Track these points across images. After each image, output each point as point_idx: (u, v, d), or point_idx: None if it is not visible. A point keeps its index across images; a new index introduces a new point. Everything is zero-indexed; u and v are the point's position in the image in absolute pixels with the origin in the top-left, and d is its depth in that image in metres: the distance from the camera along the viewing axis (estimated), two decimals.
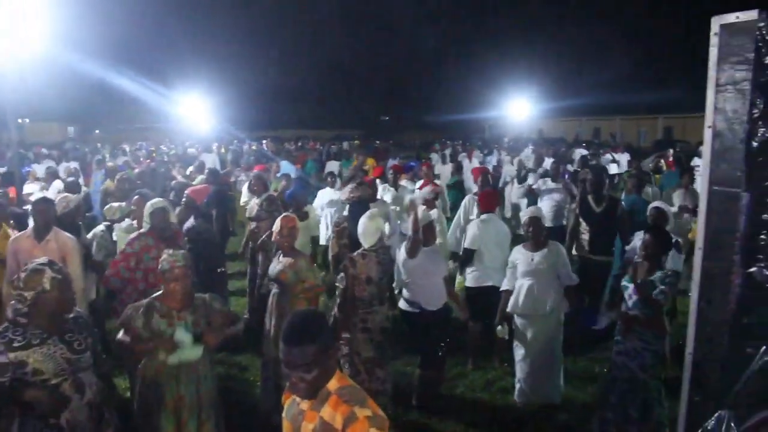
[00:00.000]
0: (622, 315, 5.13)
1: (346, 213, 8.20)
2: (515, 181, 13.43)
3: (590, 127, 56.46)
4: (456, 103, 65.40)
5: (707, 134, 2.51)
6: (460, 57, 64.77)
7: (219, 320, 4.38)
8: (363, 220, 5.81)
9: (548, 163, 16.78)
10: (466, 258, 6.94)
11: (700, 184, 2.59)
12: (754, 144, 2.30)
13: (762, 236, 2.25)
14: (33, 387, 3.52)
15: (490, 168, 19.74)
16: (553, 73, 56.77)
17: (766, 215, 2.26)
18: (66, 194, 7.60)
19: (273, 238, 5.89)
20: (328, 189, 11.07)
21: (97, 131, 61.06)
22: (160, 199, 6.36)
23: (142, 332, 4.15)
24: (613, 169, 19.10)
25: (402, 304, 5.99)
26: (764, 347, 2.15)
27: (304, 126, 66.24)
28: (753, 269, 2.27)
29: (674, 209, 8.16)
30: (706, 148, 2.51)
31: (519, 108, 44.34)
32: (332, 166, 18.29)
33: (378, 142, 35.79)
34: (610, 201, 8.02)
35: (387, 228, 6.63)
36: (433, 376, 6.05)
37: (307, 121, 69.47)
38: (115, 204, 7.48)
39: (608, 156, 22.43)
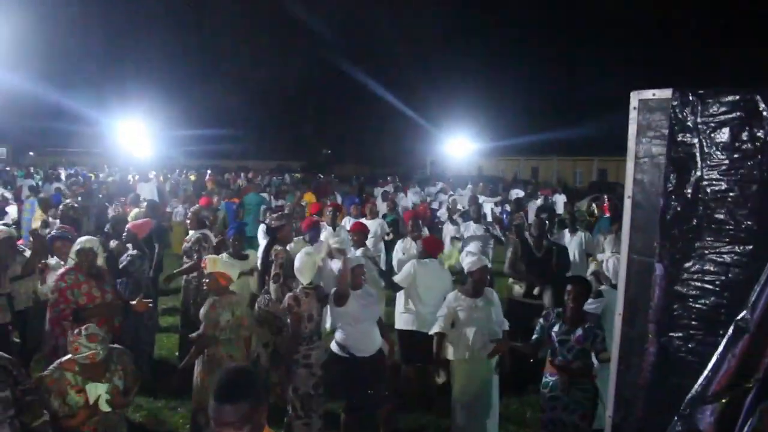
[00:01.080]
0: (561, 369, 5.11)
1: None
2: (448, 222, 13.59)
3: (528, 166, 57.90)
4: (398, 138, 66.21)
5: (627, 204, 2.63)
6: (402, 91, 65.53)
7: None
8: (300, 256, 5.84)
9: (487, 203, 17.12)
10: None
11: (621, 250, 2.68)
12: (668, 217, 2.41)
13: (675, 307, 2.34)
14: None
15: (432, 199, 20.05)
16: (493, 111, 57.95)
17: (678, 287, 2.35)
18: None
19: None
20: (262, 225, 10.99)
21: (30, 153, 59.42)
22: (90, 237, 6.21)
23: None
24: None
25: (333, 346, 5.87)
26: (675, 418, 2.22)
27: (245, 156, 65.86)
28: (665, 339, 2.36)
29: (605, 256, 8.34)
30: (626, 218, 2.62)
31: (459, 145, 45.16)
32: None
33: (321, 175, 35.71)
34: (549, 247, 8.15)
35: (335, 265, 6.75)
36: (356, 421, 5.99)
37: (248, 152, 69.10)
38: (52, 261, 7.25)
39: (546, 197, 22.53)
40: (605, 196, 21.66)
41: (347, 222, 11.49)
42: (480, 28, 78.21)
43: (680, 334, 2.31)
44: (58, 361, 4.28)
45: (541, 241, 8.16)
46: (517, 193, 22.84)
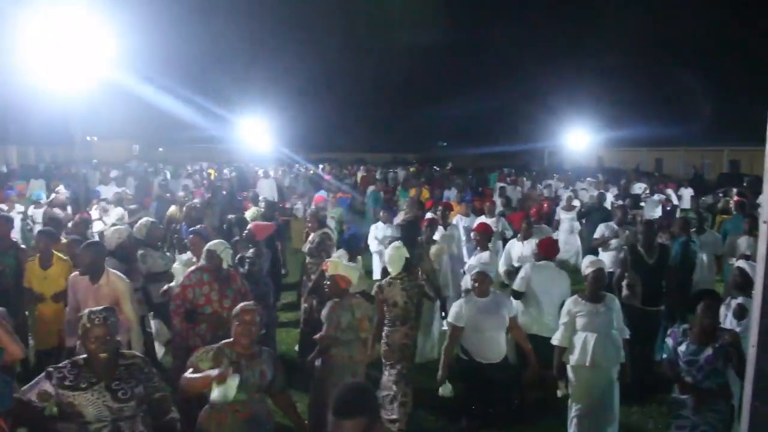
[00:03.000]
0: (692, 390, 4.80)
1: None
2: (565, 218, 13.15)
3: (652, 157, 55.10)
4: (515, 130, 65.00)
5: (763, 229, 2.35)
6: (518, 82, 64.40)
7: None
8: (389, 250, 6.62)
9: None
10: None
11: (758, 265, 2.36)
12: None
13: None
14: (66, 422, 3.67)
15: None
16: (614, 101, 55.72)
17: None
18: (118, 227, 7.75)
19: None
20: (380, 224, 11.11)
21: (160, 149, 62.74)
22: (219, 241, 6.45)
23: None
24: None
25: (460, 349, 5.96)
26: None
27: (360, 149, 66.55)
28: None
29: (739, 261, 7.69)
30: (762, 241, 2.35)
31: (578, 136, 43.78)
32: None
33: (436, 168, 35.61)
34: (662, 251, 7.71)
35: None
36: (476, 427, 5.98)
37: (363, 144, 69.76)
38: (185, 256, 7.61)
39: (669, 191, 20.86)
40: (735, 190, 19.92)
41: (459, 220, 11.41)
42: (601, 12, 75.31)
43: None
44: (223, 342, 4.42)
45: (652, 245, 7.71)
46: (640, 187, 21.44)
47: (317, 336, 5.71)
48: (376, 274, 10.58)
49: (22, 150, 45.60)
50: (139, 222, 8.32)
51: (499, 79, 76.36)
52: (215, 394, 4.06)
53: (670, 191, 20.66)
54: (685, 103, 53.23)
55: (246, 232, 8.07)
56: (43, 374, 3.78)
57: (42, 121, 37.11)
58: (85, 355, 3.87)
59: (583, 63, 71.95)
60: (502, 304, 5.95)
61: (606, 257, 9.32)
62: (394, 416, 6.29)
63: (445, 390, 5.91)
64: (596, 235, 10.11)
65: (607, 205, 14.47)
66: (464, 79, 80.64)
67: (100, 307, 3.98)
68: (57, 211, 11.18)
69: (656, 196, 18.43)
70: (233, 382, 4.04)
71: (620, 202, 13.14)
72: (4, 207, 11.85)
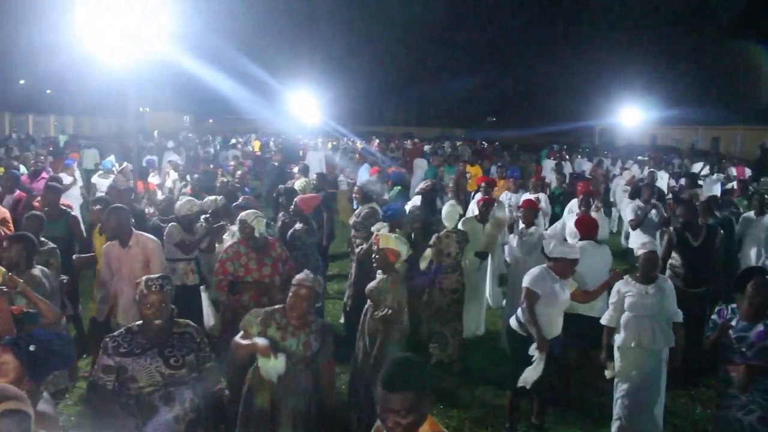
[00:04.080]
0: (741, 368, 4.69)
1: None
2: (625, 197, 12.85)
3: (708, 136, 53.44)
4: (565, 107, 63.84)
5: None
6: (571, 59, 63.17)
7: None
8: (445, 207, 7.89)
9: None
10: None
11: None
12: None
13: None
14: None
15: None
16: (669, 78, 54.15)
17: None
18: (191, 199, 7.90)
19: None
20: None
21: (210, 120, 63.53)
22: (251, 211, 6.53)
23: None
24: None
25: (513, 322, 5.94)
26: None
27: (407, 123, 66.31)
28: None
29: None
30: None
31: (631, 114, 42.72)
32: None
33: (484, 143, 35.20)
34: (708, 232, 7.47)
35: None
36: (519, 401, 6.00)
37: (411, 118, 69.51)
38: (234, 228, 7.74)
39: (731, 170, 19.68)
40: None
41: (506, 197, 11.28)
42: None
43: None
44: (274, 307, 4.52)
45: (696, 226, 7.50)
46: (697, 166, 20.65)
47: (381, 314, 5.63)
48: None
49: (78, 120, 46.61)
50: (210, 198, 8.52)
51: (550, 54, 74.98)
52: (261, 367, 4.19)
53: (733, 170, 19.78)
54: (742, 81, 51.53)
55: (293, 207, 8.14)
56: (100, 349, 3.92)
57: (97, 93, 37.88)
58: (140, 322, 3.98)
59: (636, 39, 70.10)
60: (567, 286, 5.88)
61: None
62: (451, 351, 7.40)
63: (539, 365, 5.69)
64: (630, 216, 9.95)
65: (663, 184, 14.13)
66: (515, 54, 79.30)
67: (157, 275, 4.08)
68: (122, 180, 11.41)
69: (715, 176, 17.74)
70: (279, 362, 4.15)
71: (674, 183, 12.83)
72: (65, 176, 12.13)
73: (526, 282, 5.81)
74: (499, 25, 79.98)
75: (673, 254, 7.47)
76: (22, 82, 51.78)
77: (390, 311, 5.47)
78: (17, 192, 9.66)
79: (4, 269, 4.26)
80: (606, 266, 6.78)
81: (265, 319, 4.34)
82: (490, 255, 8.66)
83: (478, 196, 10.43)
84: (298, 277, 4.44)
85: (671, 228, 7.99)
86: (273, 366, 4.16)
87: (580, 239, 6.97)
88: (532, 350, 5.51)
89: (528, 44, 79.55)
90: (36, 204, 8.44)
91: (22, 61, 46.64)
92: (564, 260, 5.73)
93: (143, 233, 6.36)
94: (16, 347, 2.84)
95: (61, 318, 4.34)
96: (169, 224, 7.46)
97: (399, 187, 10.65)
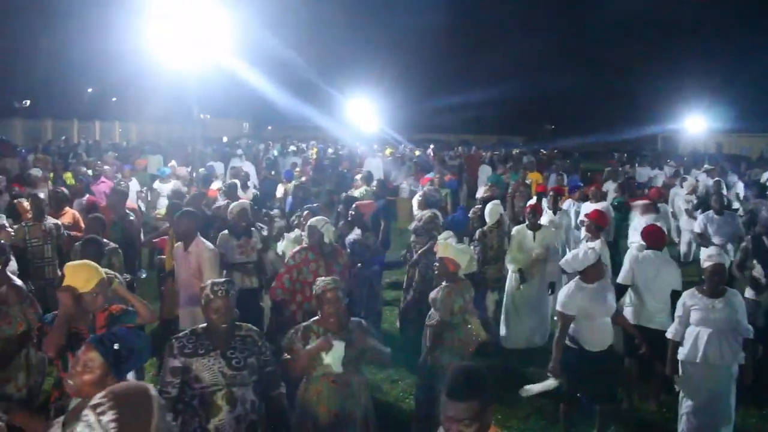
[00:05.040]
0: None
1: None
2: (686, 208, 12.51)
3: None
4: (626, 113, 62.49)
5: None
6: (633, 64, 61.90)
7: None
8: (488, 206, 8.72)
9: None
10: (619, 293, 6.59)
11: None
12: None
13: None
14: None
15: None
16: (736, 85, 52.40)
17: None
18: (243, 202, 8.02)
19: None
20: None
21: (269, 127, 64.35)
22: (319, 217, 6.56)
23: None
24: None
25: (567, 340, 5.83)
26: None
27: (464, 130, 65.83)
28: None
29: None
30: None
31: (695, 121, 41.59)
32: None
33: (542, 151, 34.75)
34: None
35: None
36: (574, 413, 5.90)
37: (467, 125, 69.00)
38: (293, 234, 7.81)
39: None
40: None
41: (570, 206, 11.12)
42: None
43: None
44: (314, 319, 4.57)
45: None
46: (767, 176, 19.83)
47: (431, 321, 5.66)
48: None
49: (141, 127, 47.82)
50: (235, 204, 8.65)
51: (611, 60, 73.70)
52: (327, 360, 4.24)
53: None
54: None
55: (352, 213, 8.16)
56: (165, 351, 4.03)
57: (161, 100, 38.81)
58: (204, 324, 4.07)
59: (700, 44, 68.35)
60: (608, 290, 5.81)
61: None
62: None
63: (550, 385, 5.75)
64: (696, 228, 9.66)
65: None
66: (575, 60, 78.30)
67: (222, 279, 4.16)
68: (180, 185, 11.66)
69: None
70: (339, 347, 4.21)
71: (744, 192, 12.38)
72: (121, 178, 12.48)
73: (558, 305, 5.79)
74: (559, 30, 78.98)
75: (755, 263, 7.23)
76: (89, 90, 53.51)
77: (445, 320, 5.47)
78: (87, 196, 10.00)
79: (119, 276, 4.38)
80: (670, 282, 6.53)
81: (304, 334, 4.42)
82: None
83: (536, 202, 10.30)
84: (319, 284, 4.49)
85: (748, 236, 7.76)
86: (336, 352, 4.23)
87: (646, 248, 6.78)
88: (549, 370, 5.60)
89: (588, 49, 78.39)
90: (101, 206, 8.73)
91: (90, 70, 48.18)
92: (587, 268, 5.64)
93: (204, 241, 6.46)
94: (101, 345, 2.93)
95: (155, 318, 4.47)
96: (222, 232, 7.60)
97: (448, 190, 10.76)
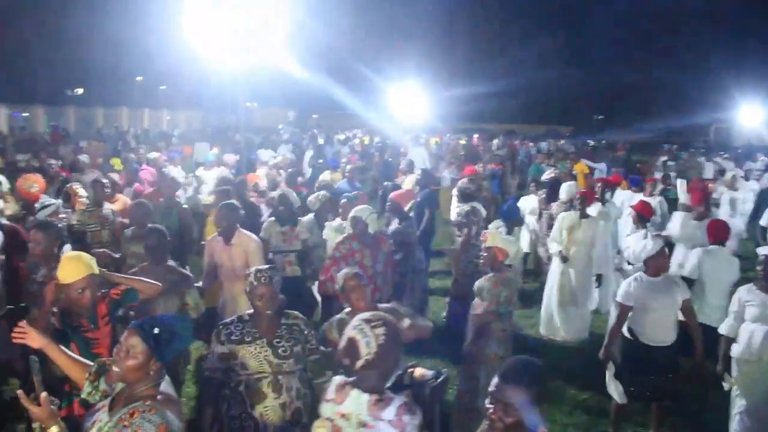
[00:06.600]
0: None
1: None
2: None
3: None
4: (677, 103, 61.00)
5: None
6: (685, 54, 60.35)
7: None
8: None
9: None
10: None
11: None
12: None
13: None
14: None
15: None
16: None
17: None
18: (319, 193, 8.18)
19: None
20: (531, 196, 10.86)
21: (314, 116, 64.63)
22: (365, 207, 6.56)
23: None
24: None
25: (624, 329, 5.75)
26: None
27: (510, 120, 65.08)
28: None
29: None
30: None
31: (751, 111, 40.33)
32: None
33: (590, 142, 34.14)
34: None
35: None
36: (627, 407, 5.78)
37: (514, 114, 68.19)
38: (335, 223, 7.84)
39: None
40: None
41: (618, 197, 10.95)
42: None
43: None
44: None
45: None
46: None
47: (478, 312, 5.63)
48: (525, 248, 10.32)
49: (189, 115, 48.54)
50: (315, 195, 8.72)
51: (663, 49, 72.05)
52: None
53: None
54: None
55: (389, 203, 8.14)
56: (212, 337, 4.09)
57: (208, 88, 39.36)
58: (251, 311, 4.10)
59: (755, 31, 66.30)
60: (674, 285, 5.66)
61: None
62: None
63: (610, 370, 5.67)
64: (763, 222, 9.40)
65: None
66: (624, 49, 76.78)
67: (266, 266, 4.19)
68: (226, 172, 11.79)
69: None
70: None
71: None
72: (172, 169, 12.63)
73: (617, 295, 5.70)
74: (610, 18, 77.46)
75: None
76: (139, 78, 54.51)
77: (491, 310, 5.43)
78: (136, 184, 10.20)
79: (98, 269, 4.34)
80: (731, 279, 6.41)
81: (339, 324, 4.41)
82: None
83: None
84: (340, 278, 4.51)
85: None
86: None
87: (710, 244, 6.63)
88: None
89: (639, 38, 76.83)
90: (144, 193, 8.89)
91: (140, 59, 49.14)
92: (650, 259, 5.52)
93: (246, 232, 6.45)
94: (142, 330, 2.95)
95: (159, 289, 4.47)
96: (267, 219, 7.63)
97: (490, 180, 10.70)
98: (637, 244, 6.00)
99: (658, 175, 14.15)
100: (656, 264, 5.56)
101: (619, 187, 11.83)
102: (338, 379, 3.21)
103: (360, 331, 3.06)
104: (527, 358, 2.83)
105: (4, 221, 7.06)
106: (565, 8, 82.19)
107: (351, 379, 3.11)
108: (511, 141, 31.05)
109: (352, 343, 3.09)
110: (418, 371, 3.96)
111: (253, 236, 6.52)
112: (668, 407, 5.90)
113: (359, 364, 3.03)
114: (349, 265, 6.18)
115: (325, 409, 3.14)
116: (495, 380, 2.67)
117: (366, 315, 3.17)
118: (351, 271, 4.54)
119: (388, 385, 3.12)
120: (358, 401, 3.01)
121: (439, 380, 3.98)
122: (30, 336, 3.35)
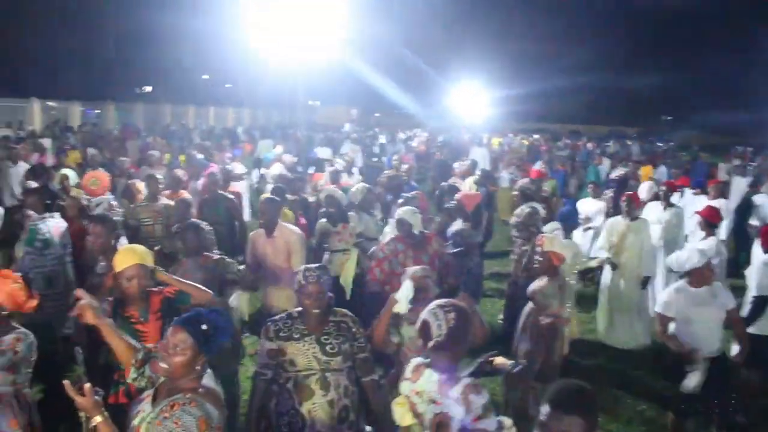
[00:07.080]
0: None
1: None
2: None
3: None
4: (750, 102, 58.76)
5: None
6: (757, 53, 57.82)
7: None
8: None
9: None
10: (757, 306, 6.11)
11: None
12: None
13: None
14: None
15: None
16: None
17: None
18: (360, 186, 8.24)
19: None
20: (590, 199, 10.60)
21: (376, 114, 64.82)
22: (408, 208, 6.55)
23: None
24: None
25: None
26: None
27: (574, 120, 63.84)
28: None
29: None
30: None
31: None
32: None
33: (659, 144, 33.24)
34: None
35: None
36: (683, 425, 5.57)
37: (578, 115, 66.87)
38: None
39: None
40: None
41: (685, 200, 10.61)
42: None
43: None
44: None
45: None
46: None
47: (546, 319, 5.48)
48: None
49: (254, 112, 49.24)
50: (356, 187, 8.64)
51: (734, 47, 69.61)
52: (398, 306, 4.24)
53: None
54: None
55: (454, 203, 8.05)
56: (261, 333, 4.14)
57: (272, 86, 39.89)
58: (300, 308, 4.12)
59: None
60: (719, 295, 5.40)
61: None
62: None
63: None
64: None
65: None
66: (694, 47, 74.48)
67: (315, 265, 4.19)
68: (284, 170, 11.90)
69: None
70: (407, 285, 4.23)
71: None
72: (235, 166, 12.80)
73: (657, 305, 5.55)
74: (676, 14, 75.25)
75: None
76: (205, 76, 55.67)
77: (555, 318, 5.30)
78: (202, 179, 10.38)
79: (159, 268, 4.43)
80: None
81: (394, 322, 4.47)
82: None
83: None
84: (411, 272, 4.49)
85: None
86: (405, 290, 4.23)
87: (765, 251, 6.31)
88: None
89: (708, 36, 74.46)
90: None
91: (206, 57, 50.26)
92: (694, 270, 5.30)
93: (287, 225, 6.54)
94: (190, 326, 2.97)
95: (210, 297, 4.51)
96: (319, 221, 7.66)
97: (554, 181, 10.51)
98: (682, 251, 5.73)
99: (725, 177, 13.62)
100: (700, 276, 5.34)
101: (686, 189, 11.47)
102: (416, 360, 3.46)
103: (433, 315, 3.36)
104: (578, 384, 2.66)
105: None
106: (630, 7, 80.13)
107: (426, 360, 3.38)
108: (575, 141, 30.50)
109: (425, 325, 3.39)
110: (499, 360, 4.10)
111: (295, 228, 6.61)
112: (729, 422, 5.65)
113: (430, 344, 3.33)
114: (392, 265, 6.20)
115: (404, 386, 3.40)
116: (546, 409, 2.53)
117: (441, 301, 3.48)
118: (420, 270, 4.54)
119: (472, 371, 3.44)
120: (429, 380, 3.26)
121: (515, 370, 4.18)
122: (86, 311, 3.41)
